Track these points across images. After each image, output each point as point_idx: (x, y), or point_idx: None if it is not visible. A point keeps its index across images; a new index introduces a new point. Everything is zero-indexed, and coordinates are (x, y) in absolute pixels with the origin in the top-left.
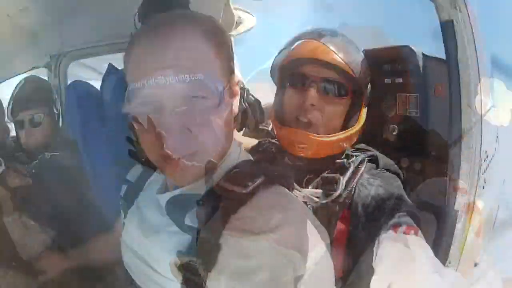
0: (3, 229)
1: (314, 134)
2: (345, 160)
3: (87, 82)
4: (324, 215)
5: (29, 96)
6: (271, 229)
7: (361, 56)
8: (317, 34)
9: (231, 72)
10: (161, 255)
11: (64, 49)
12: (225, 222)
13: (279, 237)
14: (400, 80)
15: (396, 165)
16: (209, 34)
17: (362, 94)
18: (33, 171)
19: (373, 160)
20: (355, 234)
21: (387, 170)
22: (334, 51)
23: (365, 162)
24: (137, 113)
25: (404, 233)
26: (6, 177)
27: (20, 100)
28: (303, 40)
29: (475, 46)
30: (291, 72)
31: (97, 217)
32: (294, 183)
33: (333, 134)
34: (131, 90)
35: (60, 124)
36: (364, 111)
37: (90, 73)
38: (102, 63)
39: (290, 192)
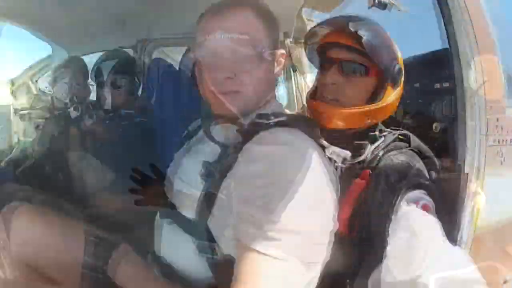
0: (67, 163)
1: (335, 106)
2: (377, 133)
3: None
4: (347, 174)
5: (118, 60)
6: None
7: (384, 40)
8: (342, 20)
9: (275, 44)
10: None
11: (150, 35)
12: (244, 142)
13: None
14: (447, 84)
15: (429, 149)
16: (260, 13)
17: (386, 75)
18: (107, 121)
19: (406, 140)
20: (371, 194)
21: (418, 151)
22: (353, 36)
23: (395, 138)
24: (200, 56)
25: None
26: (81, 120)
27: (107, 64)
28: (330, 27)
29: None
30: (320, 56)
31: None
32: (322, 139)
33: (352, 107)
34: (197, 43)
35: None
36: (390, 91)
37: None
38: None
39: (306, 137)
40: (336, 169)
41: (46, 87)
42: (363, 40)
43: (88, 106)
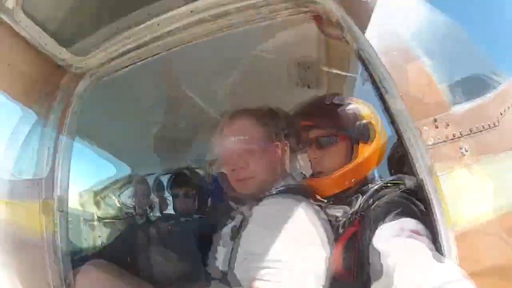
0: (148, 255)
1: (319, 178)
2: (369, 185)
3: None
4: (344, 224)
5: (187, 177)
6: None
7: (341, 109)
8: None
9: (277, 138)
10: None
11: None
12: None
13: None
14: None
15: None
16: (259, 118)
17: (353, 135)
18: (182, 224)
19: (401, 182)
20: (359, 232)
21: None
22: (314, 116)
23: (383, 186)
24: (222, 155)
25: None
26: (159, 222)
27: (179, 180)
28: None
29: None
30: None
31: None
32: (322, 201)
33: (330, 176)
34: (215, 148)
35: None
36: (364, 147)
37: None
38: None
39: (304, 203)
40: (336, 222)
41: (128, 199)
42: (317, 118)
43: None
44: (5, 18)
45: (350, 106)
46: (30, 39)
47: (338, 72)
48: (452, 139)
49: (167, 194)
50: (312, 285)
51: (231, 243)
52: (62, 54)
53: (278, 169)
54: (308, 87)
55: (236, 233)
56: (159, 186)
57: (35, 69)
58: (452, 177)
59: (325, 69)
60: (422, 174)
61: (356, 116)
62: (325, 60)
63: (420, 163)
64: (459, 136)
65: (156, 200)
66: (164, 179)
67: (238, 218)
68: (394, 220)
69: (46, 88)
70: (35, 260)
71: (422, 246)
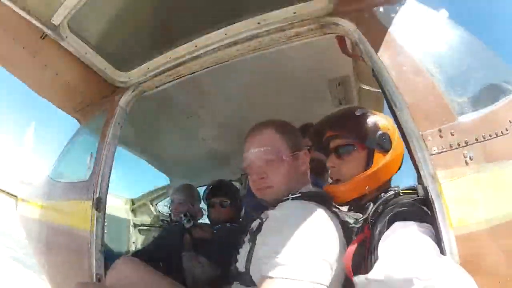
0: (181, 260)
1: (335, 186)
2: (383, 193)
3: None
4: (357, 230)
5: (223, 188)
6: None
7: (359, 119)
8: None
9: (297, 147)
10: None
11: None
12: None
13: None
14: None
15: None
16: (278, 130)
17: (370, 145)
18: (215, 231)
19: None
20: (370, 235)
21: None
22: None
23: (395, 194)
24: (245, 166)
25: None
26: (193, 230)
27: (215, 190)
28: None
29: None
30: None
31: None
32: (334, 207)
33: (346, 183)
34: (243, 157)
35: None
36: (380, 156)
37: None
38: None
39: (315, 207)
40: (347, 228)
41: (164, 207)
42: (338, 129)
43: (196, 219)
44: (52, 34)
45: (369, 118)
46: (76, 53)
47: (366, 87)
48: (456, 148)
49: (202, 204)
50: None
51: (249, 245)
52: (107, 69)
53: (297, 177)
54: (340, 103)
55: (253, 236)
56: (196, 195)
57: (80, 81)
58: (456, 184)
59: (354, 85)
60: (426, 181)
61: (374, 127)
62: (354, 77)
63: (424, 170)
64: (464, 145)
65: (192, 209)
66: (201, 190)
67: (256, 222)
68: (401, 222)
69: (90, 99)
70: (74, 254)
71: (425, 238)
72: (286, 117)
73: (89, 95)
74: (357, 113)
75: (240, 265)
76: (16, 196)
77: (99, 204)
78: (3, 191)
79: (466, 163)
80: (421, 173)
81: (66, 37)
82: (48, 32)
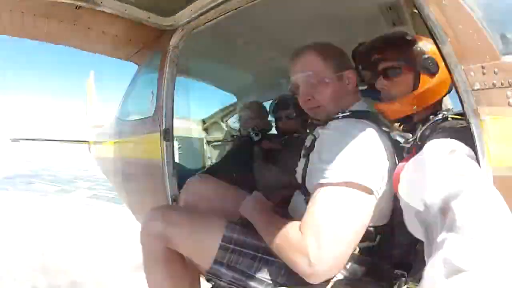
0: (252, 169)
1: (385, 104)
2: (432, 116)
3: None
4: (407, 150)
5: (288, 101)
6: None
7: (405, 43)
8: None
9: (340, 68)
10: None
11: None
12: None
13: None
14: None
15: None
16: (319, 53)
17: (417, 68)
18: (283, 141)
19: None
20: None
21: None
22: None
23: (444, 118)
24: (293, 87)
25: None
26: (262, 142)
27: (280, 104)
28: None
29: None
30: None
31: None
32: (385, 126)
33: (395, 102)
34: (291, 79)
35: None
36: (426, 79)
37: None
38: None
39: (370, 127)
40: (398, 146)
41: (233, 123)
42: (386, 51)
43: (264, 132)
44: (85, 5)
45: (416, 42)
46: (115, 12)
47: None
48: (500, 87)
49: (270, 118)
50: (365, 195)
51: (303, 161)
52: (150, 18)
53: (346, 96)
54: (394, 25)
55: (307, 151)
56: (263, 111)
57: (128, 31)
58: (498, 123)
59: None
60: (468, 115)
61: (421, 51)
62: (404, 2)
63: (467, 104)
64: (508, 85)
65: (260, 123)
66: (267, 105)
67: (310, 138)
68: (440, 138)
69: (143, 43)
70: (149, 181)
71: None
72: (338, 41)
73: (140, 40)
74: (404, 36)
75: (300, 177)
76: (87, 141)
77: (167, 135)
78: (75, 141)
79: (509, 104)
80: (464, 105)
81: (101, 2)
82: (82, 4)
